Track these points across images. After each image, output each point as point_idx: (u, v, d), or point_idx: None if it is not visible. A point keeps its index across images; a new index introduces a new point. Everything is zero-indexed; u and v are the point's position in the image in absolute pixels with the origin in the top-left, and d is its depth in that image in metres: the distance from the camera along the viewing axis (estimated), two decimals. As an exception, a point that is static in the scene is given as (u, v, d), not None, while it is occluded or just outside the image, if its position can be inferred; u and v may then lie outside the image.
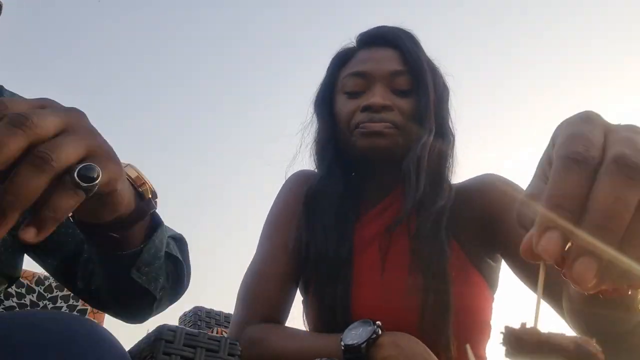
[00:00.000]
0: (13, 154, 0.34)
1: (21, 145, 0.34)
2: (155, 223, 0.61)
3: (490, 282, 0.93)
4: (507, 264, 0.91)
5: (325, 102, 1.02)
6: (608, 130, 0.34)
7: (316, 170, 1.03)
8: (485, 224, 0.91)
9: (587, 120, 0.35)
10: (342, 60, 1.04)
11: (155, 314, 0.73)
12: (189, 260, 0.75)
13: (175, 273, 0.71)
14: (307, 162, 1.06)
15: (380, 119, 0.91)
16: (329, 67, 1.05)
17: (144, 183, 0.55)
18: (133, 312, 0.72)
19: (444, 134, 0.97)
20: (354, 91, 0.96)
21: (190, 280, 0.76)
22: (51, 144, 0.36)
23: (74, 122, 0.39)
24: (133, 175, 0.55)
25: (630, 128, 0.35)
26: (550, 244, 0.31)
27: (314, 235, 0.94)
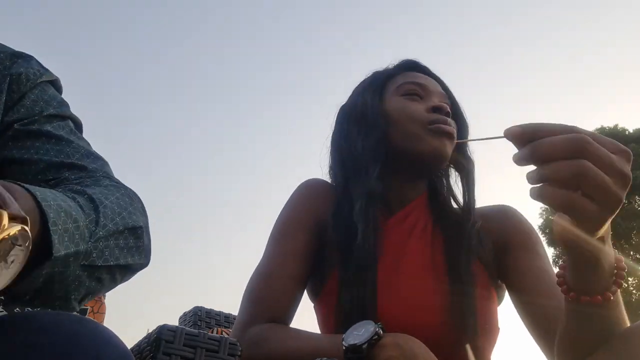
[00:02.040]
0: None
1: None
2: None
3: (499, 297, 0.98)
4: (508, 293, 0.97)
5: (375, 108, 1.02)
6: None
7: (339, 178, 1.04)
8: (499, 248, 0.97)
9: None
10: (387, 75, 1.06)
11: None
12: (142, 232, 0.62)
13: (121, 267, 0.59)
14: (317, 170, 1.09)
15: (450, 122, 0.95)
16: (371, 81, 1.07)
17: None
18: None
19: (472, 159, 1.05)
20: (414, 93, 0.99)
21: (151, 249, 0.66)
22: None
23: None
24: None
25: None
26: None
27: (336, 246, 0.95)
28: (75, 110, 0.75)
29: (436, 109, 0.95)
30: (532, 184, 0.52)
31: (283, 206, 1.05)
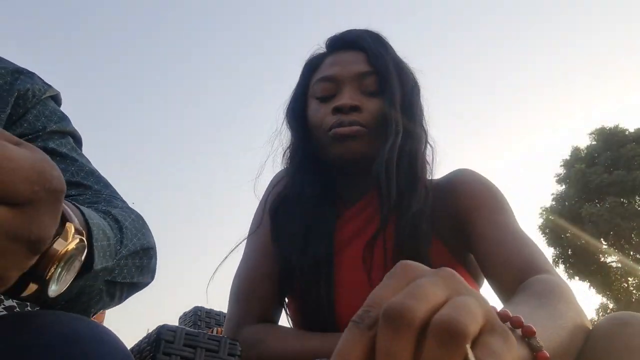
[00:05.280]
0: None
1: None
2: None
3: (476, 276, 0.93)
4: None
5: (297, 109, 1.03)
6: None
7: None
8: (457, 221, 0.91)
9: (388, 277, 0.36)
10: (312, 66, 1.04)
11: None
12: (146, 248, 0.64)
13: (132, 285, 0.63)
14: (276, 171, 1.07)
15: (349, 121, 0.91)
16: (300, 75, 1.06)
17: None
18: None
19: (414, 132, 0.96)
20: (324, 96, 0.97)
21: (156, 269, 0.69)
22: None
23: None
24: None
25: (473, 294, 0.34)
26: None
27: (289, 242, 0.94)
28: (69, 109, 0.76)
29: (337, 109, 0.92)
30: None
31: (259, 201, 1.05)
